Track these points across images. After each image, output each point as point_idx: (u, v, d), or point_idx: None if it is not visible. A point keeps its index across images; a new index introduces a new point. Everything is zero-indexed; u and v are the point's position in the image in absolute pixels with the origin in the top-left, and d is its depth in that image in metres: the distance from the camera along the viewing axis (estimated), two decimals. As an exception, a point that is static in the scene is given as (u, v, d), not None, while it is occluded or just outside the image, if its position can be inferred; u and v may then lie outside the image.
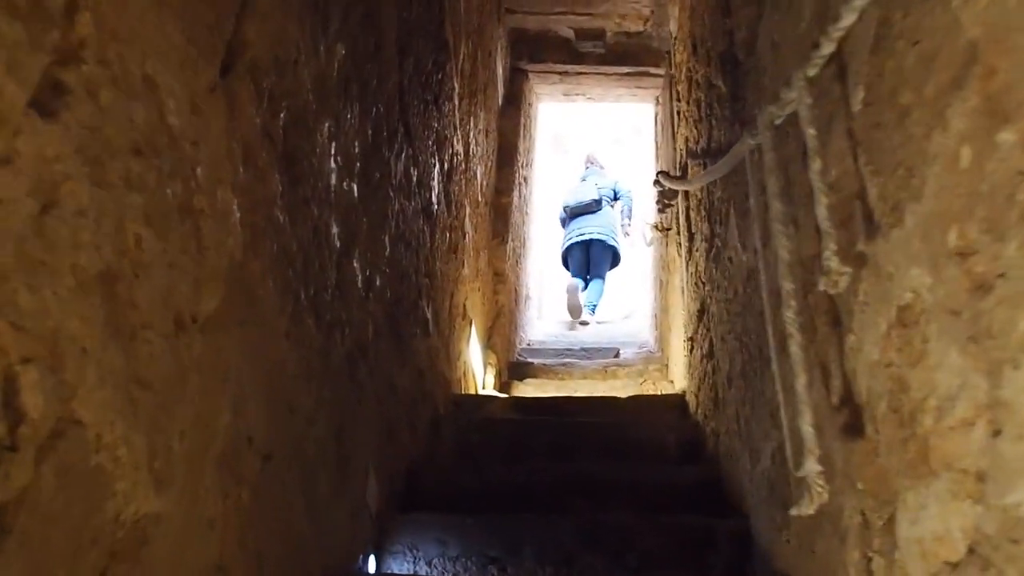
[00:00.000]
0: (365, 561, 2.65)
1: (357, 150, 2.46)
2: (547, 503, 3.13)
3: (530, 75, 7.33)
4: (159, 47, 1.27)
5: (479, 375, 5.30)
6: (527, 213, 7.88)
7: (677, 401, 4.58)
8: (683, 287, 4.85)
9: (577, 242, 9.04)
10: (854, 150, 1.58)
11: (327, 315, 2.19)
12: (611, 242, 9.03)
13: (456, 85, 4.40)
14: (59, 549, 1.02)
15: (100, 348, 1.09)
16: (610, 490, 3.19)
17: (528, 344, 7.81)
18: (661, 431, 3.95)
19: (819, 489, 1.56)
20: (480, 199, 5.57)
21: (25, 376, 0.94)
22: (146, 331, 1.23)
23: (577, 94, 7.92)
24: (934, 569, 1.27)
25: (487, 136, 5.90)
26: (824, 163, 1.51)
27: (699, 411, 4.04)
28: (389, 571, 2.76)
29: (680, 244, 4.85)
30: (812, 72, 1.54)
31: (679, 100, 4.94)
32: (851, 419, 1.69)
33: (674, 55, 5.33)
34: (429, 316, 3.65)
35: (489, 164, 6.11)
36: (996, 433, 1.08)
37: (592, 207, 8.96)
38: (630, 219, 9.48)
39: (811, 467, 1.57)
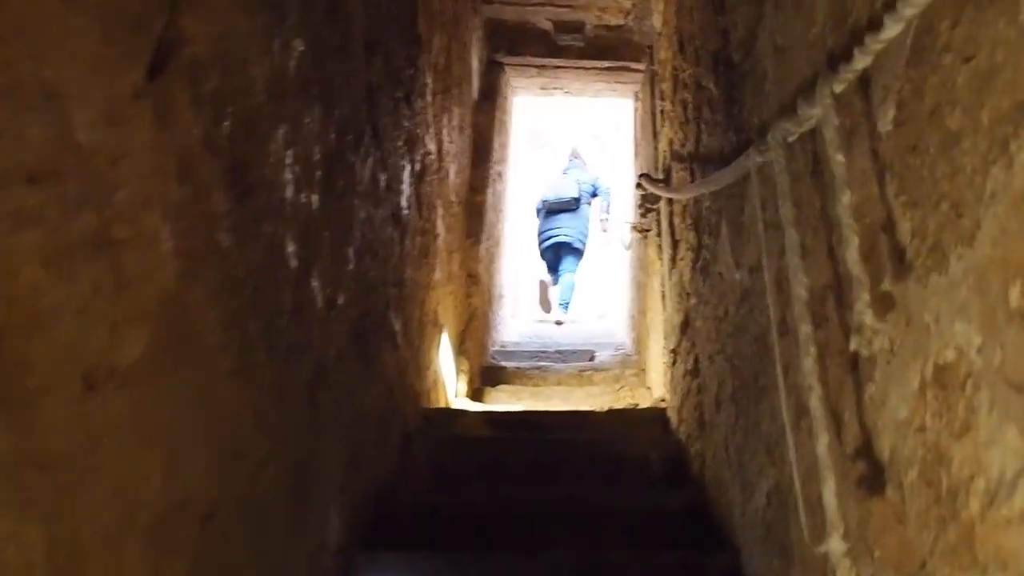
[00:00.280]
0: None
1: (318, 156, 2.23)
2: (528, 533, 2.92)
3: (507, 68, 7.10)
4: (64, 47, 1.05)
5: (450, 383, 5.09)
6: (502, 211, 7.66)
7: (657, 415, 4.39)
8: (664, 292, 4.65)
9: (550, 245, 9.15)
10: (880, 174, 1.38)
11: (283, 343, 1.97)
12: (578, 245, 9.17)
13: (429, 80, 4.18)
14: None
15: (-27, 431, 0.87)
16: (595, 517, 2.98)
17: (502, 346, 7.60)
18: (643, 447, 3.76)
19: (846, 572, 1.35)
20: (453, 198, 5.35)
21: None
22: (44, 398, 1.01)
23: (555, 88, 7.69)
24: None
25: (461, 132, 5.67)
26: (852, 195, 1.30)
27: (682, 428, 3.85)
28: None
29: (661, 248, 4.65)
30: (840, 88, 1.34)
31: (663, 99, 4.73)
32: (868, 472, 1.50)
33: (657, 51, 5.12)
34: (398, 328, 3.43)
35: (463, 161, 5.88)
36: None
37: (570, 205, 8.99)
38: (608, 215, 9.41)
39: (836, 546, 1.37)
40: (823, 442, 1.40)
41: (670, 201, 4.15)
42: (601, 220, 9.44)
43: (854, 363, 1.57)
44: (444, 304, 4.89)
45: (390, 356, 3.31)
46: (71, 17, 1.07)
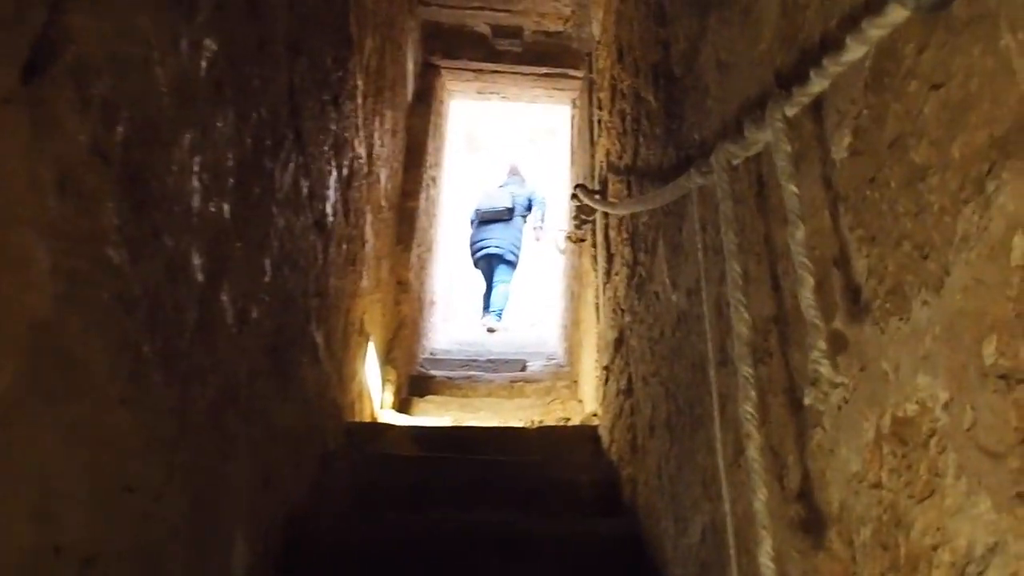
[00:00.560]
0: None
1: (231, 163, 2.07)
2: (451, 561, 2.78)
3: (443, 71, 6.95)
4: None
5: (376, 394, 4.92)
6: (436, 216, 7.50)
7: (589, 434, 4.27)
8: (598, 305, 4.55)
9: (483, 256, 9.12)
10: (833, 204, 1.27)
11: (182, 365, 1.81)
12: (510, 257, 9.12)
13: (360, 82, 4.01)
14: None
15: None
16: (522, 546, 2.85)
17: (431, 354, 7.44)
18: (573, 471, 3.64)
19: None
20: (384, 203, 5.18)
21: None
22: None
23: (492, 93, 7.56)
24: None
25: (394, 136, 5.51)
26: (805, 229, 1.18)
27: (613, 449, 3.74)
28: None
29: (596, 260, 4.54)
30: (792, 111, 1.22)
31: (600, 108, 4.63)
32: (814, 523, 1.40)
33: (596, 60, 5.02)
34: (319, 340, 3.27)
35: (395, 165, 5.72)
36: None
37: (503, 215, 8.94)
38: (543, 223, 9.36)
39: (774, 613, 1.25)
40: (761, 498, 1.28)
41: (606, 214, 4.05)
42: (535, 228, 9.37)
43: (797, 403, 1.47)
44: (371, 312, 4.72)
45: (310, 371, 3.14)
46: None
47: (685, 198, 2.24)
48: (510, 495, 3.34)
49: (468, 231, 9.48)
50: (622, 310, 3.57)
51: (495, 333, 9.07)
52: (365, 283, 4.46)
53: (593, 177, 4.79)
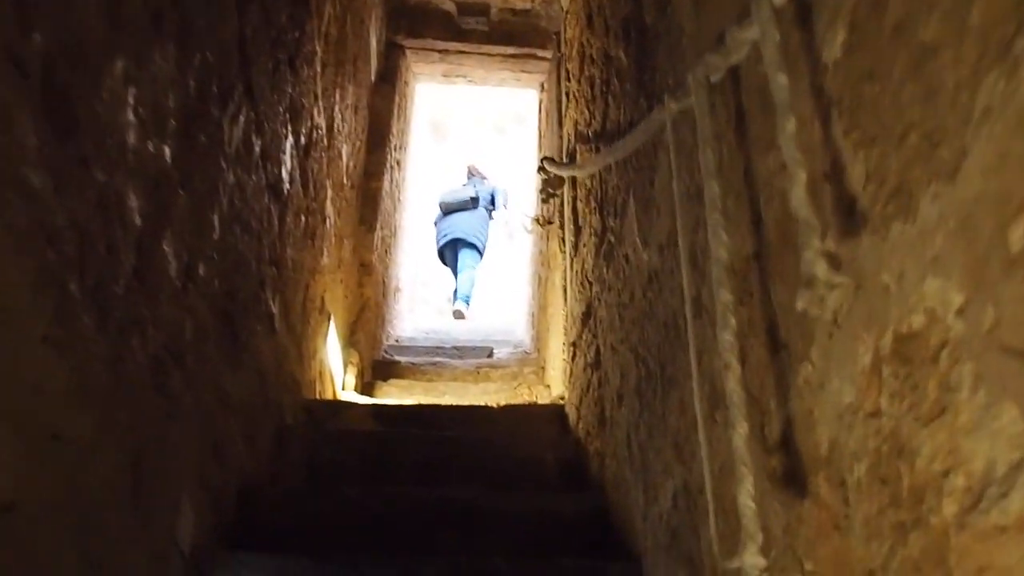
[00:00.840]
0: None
1: (172, 104, 1.93)
2: (411, 538, 2.65)
3: (407, 51, 6.80)
4: None
5: (338, 376, 4.78)
6: (400, 200, 7.35)
7: (556, 412, 4.16)
8: (566, 286, 4.43)
9: (447, 242, 9.10)
10: (824, 113, 1.16)
11: (117, 312, 1.67)
12: (473, 240, 9.08)
13: (319, 49, 3.87)
14: None
15: None
16: (484, 522, 2.73)
17: (396, 340, 7.30)
18: (539, 448, 3.52)
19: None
20: (346, 181, 5.04)
21: None
22: None
23: (458, 76, 7.41)
24: None
25: (356, 113, 5.36)
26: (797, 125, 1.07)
27: (580, 426, 3.63)
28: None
29: (564, 239, 4.42)
30: (780, 1, 1.10)
31: (569, 80, 4.51)
32: (797, 470, 1.28)
33: (564, 31, 4.91)
34: (276, 310, 3.12)
35: (358, 144, 5.57)
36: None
37: (467, 205, 8.94)
38: (507, 207, 9.31)
39: (751, 561, 1.13)
40: (741, 432, 1.17)
41: (574, 185, 3.93)
42: (503, 213, 9.33)
43: (777, 341, 1.35)
44: (333, 291, 4.58)
45: (265, 341, 3.00)
46: None
47: (657, 147, 2.13)
48: (473, 473, 3.22)
49: (433, 228, 9.42)
50: (590, 282, 3.46)
51: (463, 320, 8.93)
52: (326, 260, 4.32)
53: (562, 153, 4.68)
